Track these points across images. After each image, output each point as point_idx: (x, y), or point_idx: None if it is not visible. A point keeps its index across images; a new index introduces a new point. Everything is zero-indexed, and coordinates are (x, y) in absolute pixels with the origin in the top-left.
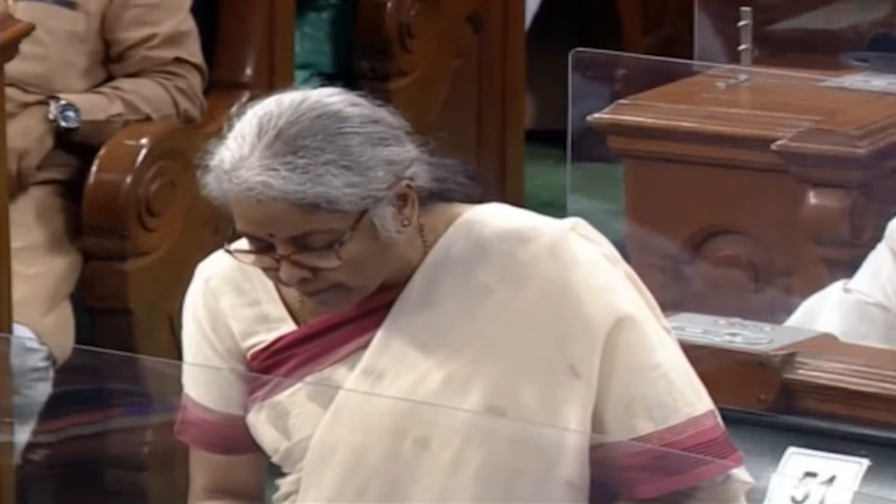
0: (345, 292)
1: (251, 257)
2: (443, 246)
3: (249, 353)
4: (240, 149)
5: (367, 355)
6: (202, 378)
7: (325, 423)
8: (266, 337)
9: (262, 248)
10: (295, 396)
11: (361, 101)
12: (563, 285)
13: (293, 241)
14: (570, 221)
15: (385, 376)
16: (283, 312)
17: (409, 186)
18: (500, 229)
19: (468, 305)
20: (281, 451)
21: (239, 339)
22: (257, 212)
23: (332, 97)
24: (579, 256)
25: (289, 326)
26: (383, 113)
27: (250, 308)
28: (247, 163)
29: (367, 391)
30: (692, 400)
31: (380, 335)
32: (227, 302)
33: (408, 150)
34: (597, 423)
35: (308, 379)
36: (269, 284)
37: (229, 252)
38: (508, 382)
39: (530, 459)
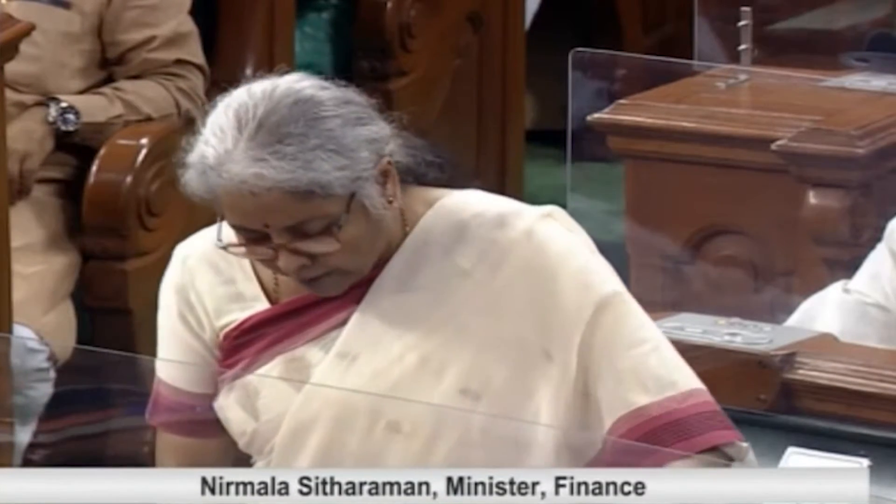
0: (343, 276)
1: (244, 249)
2: (423, 228)
3: (222, 333)
4: (222, 143)
5: (343, 337)
6: (175, 359)
7: (300, 403)
8: (240, 315)
9: (256, 238)
10: (267, 376)
11: (328, 84)
12: (540, 268)
13: (289, 229)
14: (548, 208)
15: (359, 358)
16: (258, 291)
17: (389, 163)
18: (479, 213)
19: (445, 288)
20: (248, 434)
21: (213, 317)
22: (250, 204)
23: (301, 83)
24: (557, 240)
25: (263, 305)
26: (352, 94)
27: (225, 287)
28: (233, 156)
29: (342, 373)
30: (687, 375)
31: (356, 317)
32: (203, 280)
33: (382, 128)
34: (590, 402)
35: (280, 358)
36: (246, 264)
37: (223, 248)
38: (482, 365)
39: (501, 449)
